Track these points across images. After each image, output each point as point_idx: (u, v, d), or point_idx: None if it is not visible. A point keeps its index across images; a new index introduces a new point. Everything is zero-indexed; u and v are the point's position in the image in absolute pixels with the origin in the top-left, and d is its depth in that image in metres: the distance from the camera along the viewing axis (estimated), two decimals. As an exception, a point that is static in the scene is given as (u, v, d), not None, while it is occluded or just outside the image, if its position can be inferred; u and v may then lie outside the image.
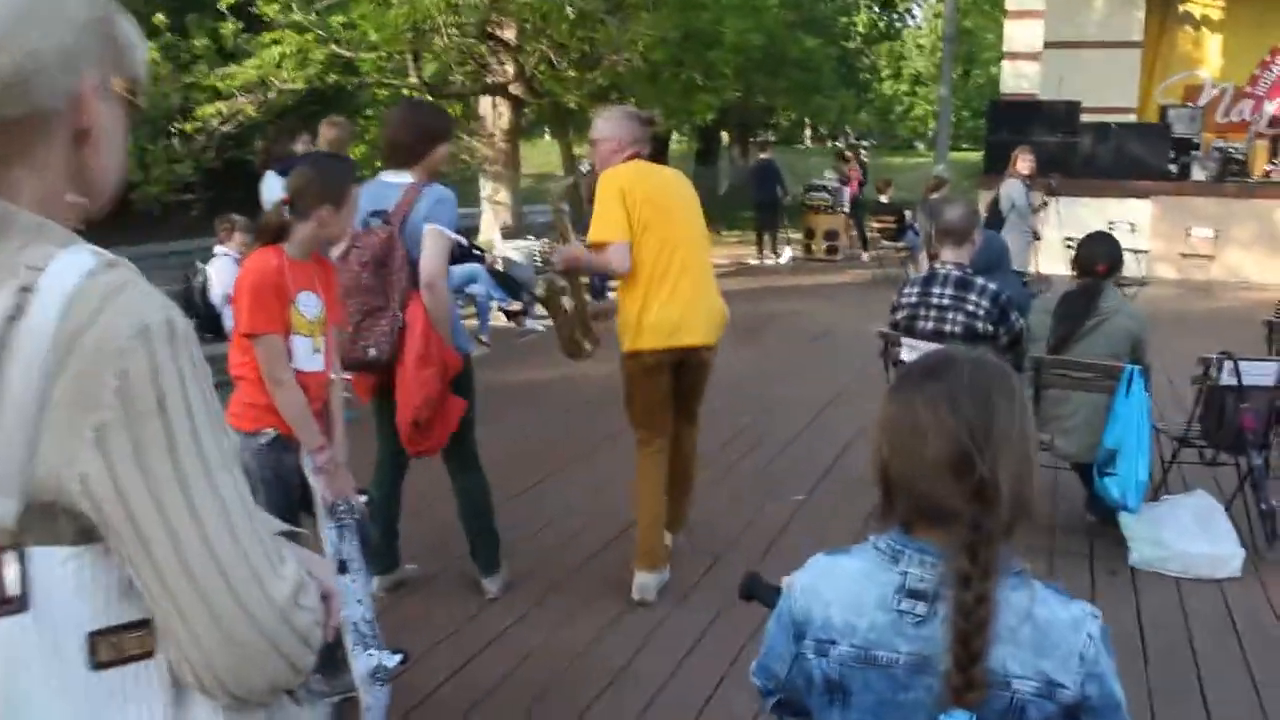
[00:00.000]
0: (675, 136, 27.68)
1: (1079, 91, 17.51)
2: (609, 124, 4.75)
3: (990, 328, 5.18)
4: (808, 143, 46.31)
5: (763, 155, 16.61)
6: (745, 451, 6.85)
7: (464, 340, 4.57)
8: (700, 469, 5.37)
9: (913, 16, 42.12)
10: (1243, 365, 4.95)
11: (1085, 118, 17.07)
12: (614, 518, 5.54)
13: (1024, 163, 10.84)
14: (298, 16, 16.33)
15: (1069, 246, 11.68)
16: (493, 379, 8.78)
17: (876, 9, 38.70)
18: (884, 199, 14.38)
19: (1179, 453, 5.29)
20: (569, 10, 15.34)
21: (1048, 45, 18.93)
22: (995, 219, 10.73)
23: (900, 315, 5.41)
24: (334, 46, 16.40)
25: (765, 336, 10.73)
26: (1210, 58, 20.95)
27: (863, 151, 25.10)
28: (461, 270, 10.38)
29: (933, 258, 12.77)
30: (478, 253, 11.09)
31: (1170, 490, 5.21)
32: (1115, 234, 13.67)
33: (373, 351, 4.20)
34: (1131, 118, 18.90)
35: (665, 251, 4.59)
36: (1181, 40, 21.00)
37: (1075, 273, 5.25)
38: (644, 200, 4.54)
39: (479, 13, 15.19)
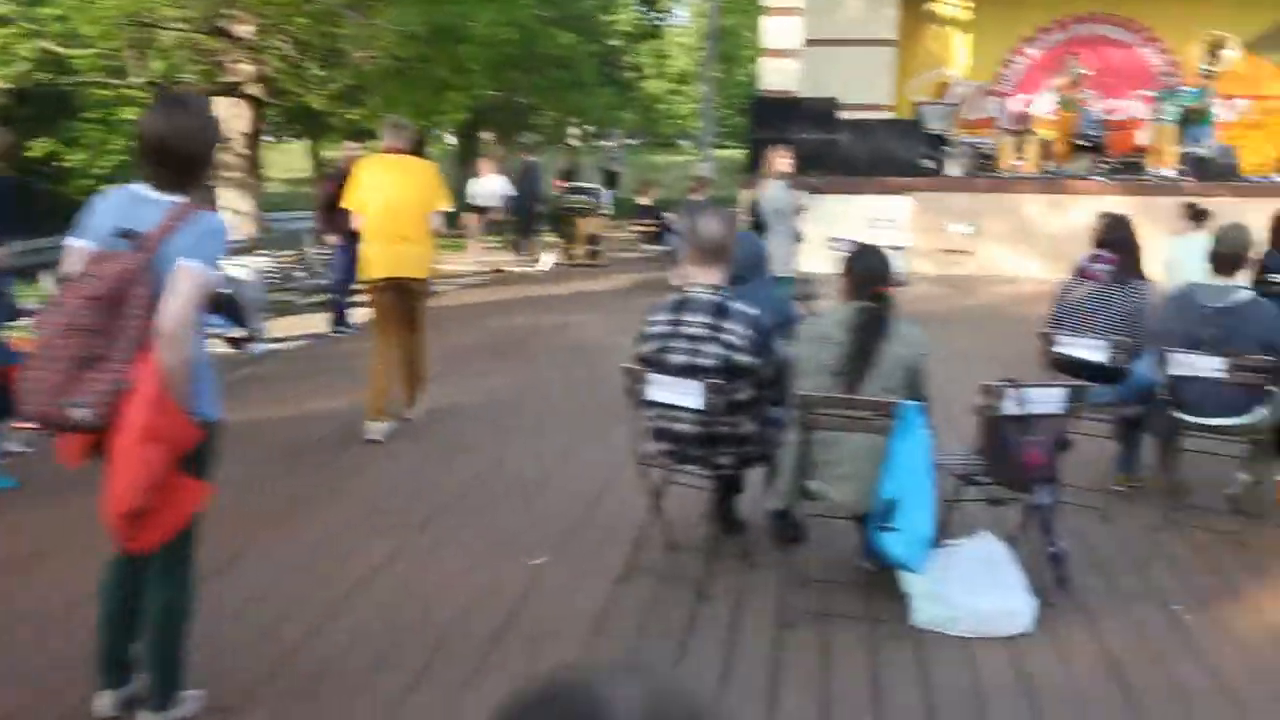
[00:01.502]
0: (439, 137, 26.49)
1: (837, 89, 17.32)
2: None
3: (752, 360, 4.46)
4: (574, 143, 45.72)
5: (526, 157, 15.71)
6: (484, 501, 5.96)
7: (208, 404, 3.48)
8: (430, 523, 5.56)
9: (674, 15, 42.01)
10: (1027, 393, 4.36)
11: (845, 115, 16.87)
12: (318, 601, 4.59)
13: (782, 161, 10.30)
14: (4, 8, 14.67)
15: (833, 248, 11.32)
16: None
17: (639, 7, 38.31)
18: (645, 201, 13.72)
19: (961, 490, 4.67)
20: (306, 4, 14.17)
21: (809, 43, 18.71)
22: (757, 222, 10.18)
23: (648, 348, 4.63)
24: (42, 42, 14.78)
25: (518, 355, 9.87)
26: (958, 56, 21.30)
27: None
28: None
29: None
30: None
31: (953, 534, 4.58)
32: (879, 230, 13.65)
33: (81, 411, 3.15)
34: (889, 115, 18.90)
35: (381, 214, 6.90)
36: (932, 38, 21.26)
37: (847, 293, 4.56)
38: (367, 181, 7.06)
39: (205, 5, 13.83)
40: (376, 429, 6.97)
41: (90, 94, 16.99)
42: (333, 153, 20.59)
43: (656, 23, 40.69)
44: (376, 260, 6.98)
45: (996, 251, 15.37)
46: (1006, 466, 4.43)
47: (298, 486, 6.13)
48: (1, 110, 16.93)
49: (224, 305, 9.57)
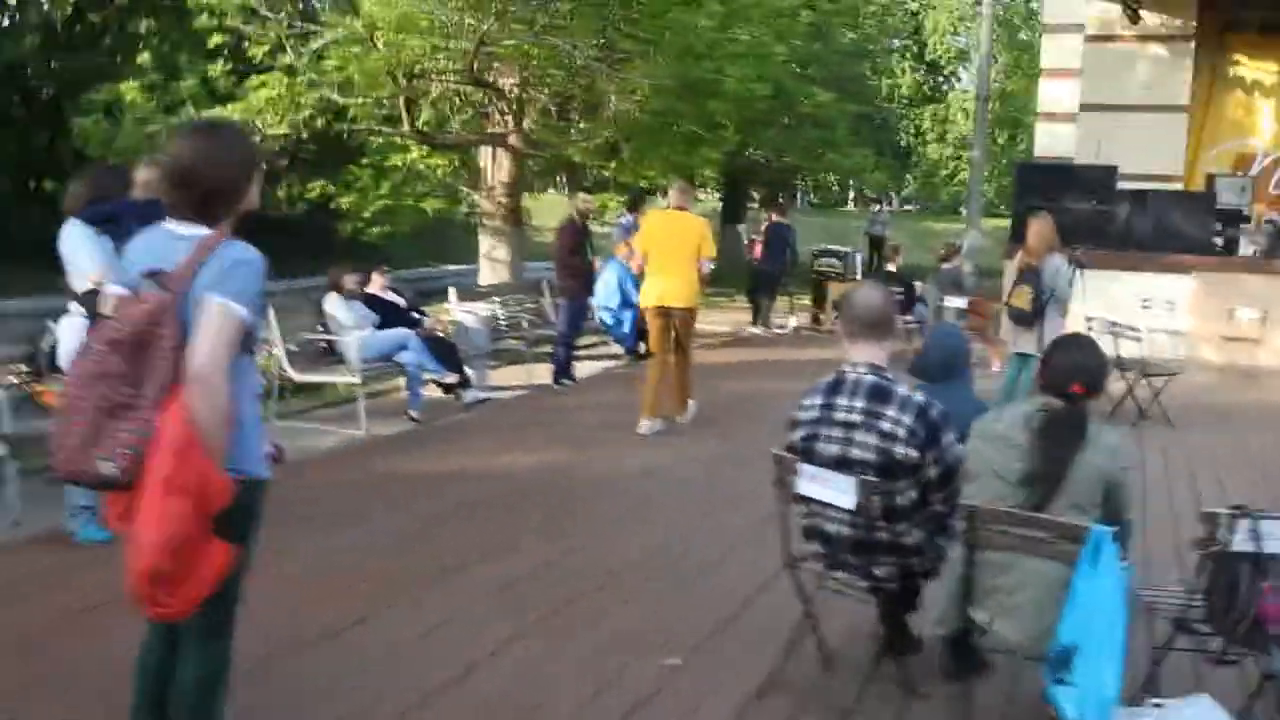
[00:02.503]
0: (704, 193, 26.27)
1: (1119, 156, 16.00)
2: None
3: (914, 454, 3.71)
4: (851, 205, 44.90)
5: (775, 218, 15.10)
6: (637, 583, 5.36)
7: (251, 460, 3.09)
8: (573, 604, 5.05)
9: (958, 79, 40.68)
10: (1265, 525, 3.42)
11: (1126, 185, 15.52)
12: (418, 685, 4.10)
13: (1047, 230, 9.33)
14: (289, 59, 15.25)
15: (1090, 328, 10.21)
16: (387, 466, 7.42)
17: (921, 71, 37.32)
18: (892, 268, 12.88)
19: (1174, 638, 3.73)
20: (564, 56, 14.10)
21: (1084, 107, 17.41)
22: (1037, 304, 9.15)
23: (798, 434, 3.95)
24: (325, 91, 15.29)
25: (732, 422, 9.23)
26: (1262, 125, 19.41)
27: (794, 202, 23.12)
28: (389, 336, 9.07)
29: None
30: (417, 315, 9.75)
31: (1162, 691, 3.65)
32: (1152, 311, 12.33)
33: (108, 465, 2.79)
34: (1177, 186, 17.35)
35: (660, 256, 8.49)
36: (1232, 106, 19.46)
37: (1041, 388, 3.75)
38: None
39: (465, 58, 13.97)
40: (646, 426, 8.50)
41: (366, 141, 17.52)
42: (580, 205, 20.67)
43: (940, 88, 39.51)
44: (652, 291, 8.57)
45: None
46: (1235, 616, 3.49)
47: (451, 549, 5.71)
48: (286, 153, 17.71)
49: (442, 350, 9.41)
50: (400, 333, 9.09)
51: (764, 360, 12.71)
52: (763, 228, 15.83)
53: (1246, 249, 15.23)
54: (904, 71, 37.65)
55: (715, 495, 6.91)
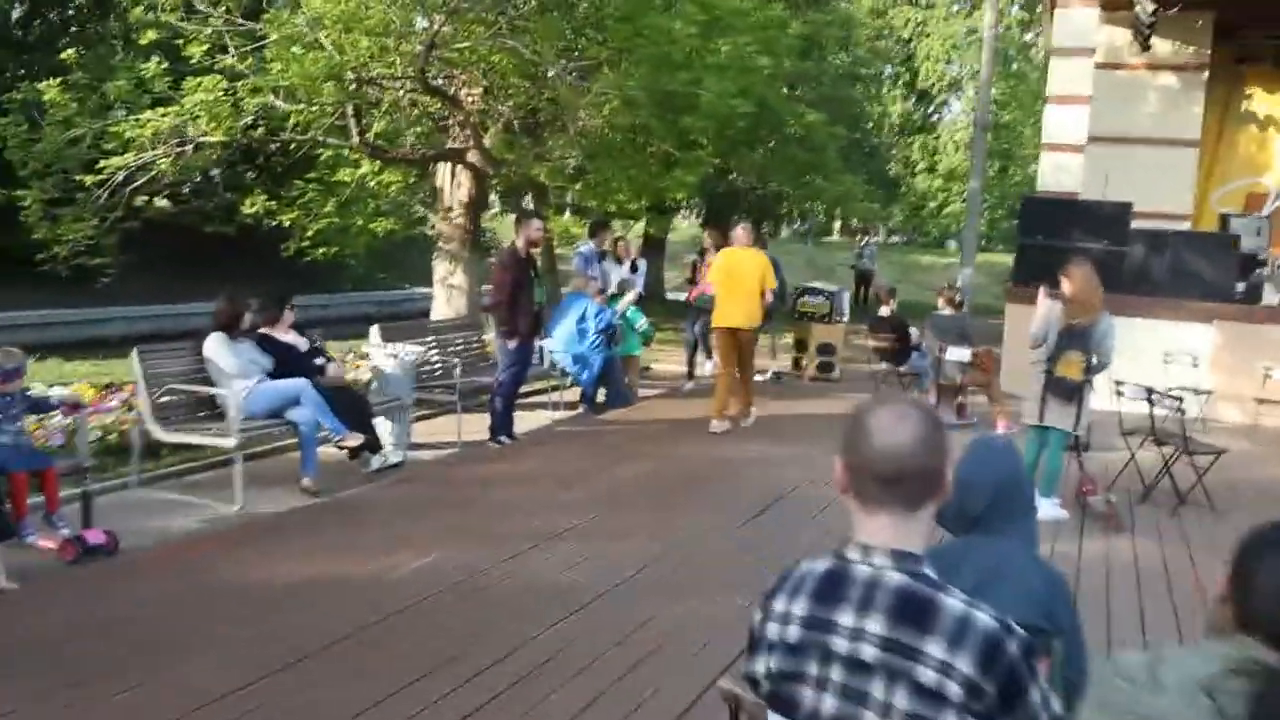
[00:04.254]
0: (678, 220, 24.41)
1: (1125, 192, 14.45)
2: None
3: (977, 724, 1.95)
4: (836, 236, 43.28)
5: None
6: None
7: None
8: None
9: (949, 109, 39.13)
10: None
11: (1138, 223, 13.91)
12: None
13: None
14: (231, 60, 13.50)
15: (1119, 393, 8.53)
16: (234, 572, 5.59)
17: (911, 100, 35.74)
18: (885, 311, 11.16)
19: None
20: (528, 65, 12.39)
21: (1092, 139, 15.80)
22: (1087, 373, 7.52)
23: (764, 665, 2.19)
24: (267, 96, 13.55)
25: (685, 502, 7.49)
26: (1276, 162, 17.89)
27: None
28: (279, 388, 7.30)
29: (940, 391, 9.43)
30: (321, 361, 7.97)
31: None
32: (1174, 366, 10.64)
33: None
34: (1185, 225, 15.76)
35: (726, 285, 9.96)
36: (1244, 142, 17.95)
37: (1244, 627, 1.93)
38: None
39: (416, 61, 12.24)
40: (717, 425, 9.81)
41: (315, 154, 15.78)
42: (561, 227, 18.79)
43: (930, 118, 37.96)
44: (722, 314, 10.01)
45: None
46: None
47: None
48: (226, 167, 15.94)
49: (346, 403, 7.66)
50: (293, 384, 7.30)
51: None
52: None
53: (1271, 297, 13.59)
54: (894, 100, 36.05)
55: (642, 605, 5.15)
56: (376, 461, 7.73)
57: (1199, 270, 13.17)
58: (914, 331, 11.02)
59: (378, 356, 8.76)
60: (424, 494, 7.31)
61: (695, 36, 11.70)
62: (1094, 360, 7.53)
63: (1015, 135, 32.15)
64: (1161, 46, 16.83)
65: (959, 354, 10.22)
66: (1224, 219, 16.01)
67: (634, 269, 12.76)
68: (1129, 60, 16.72)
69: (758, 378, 13.12)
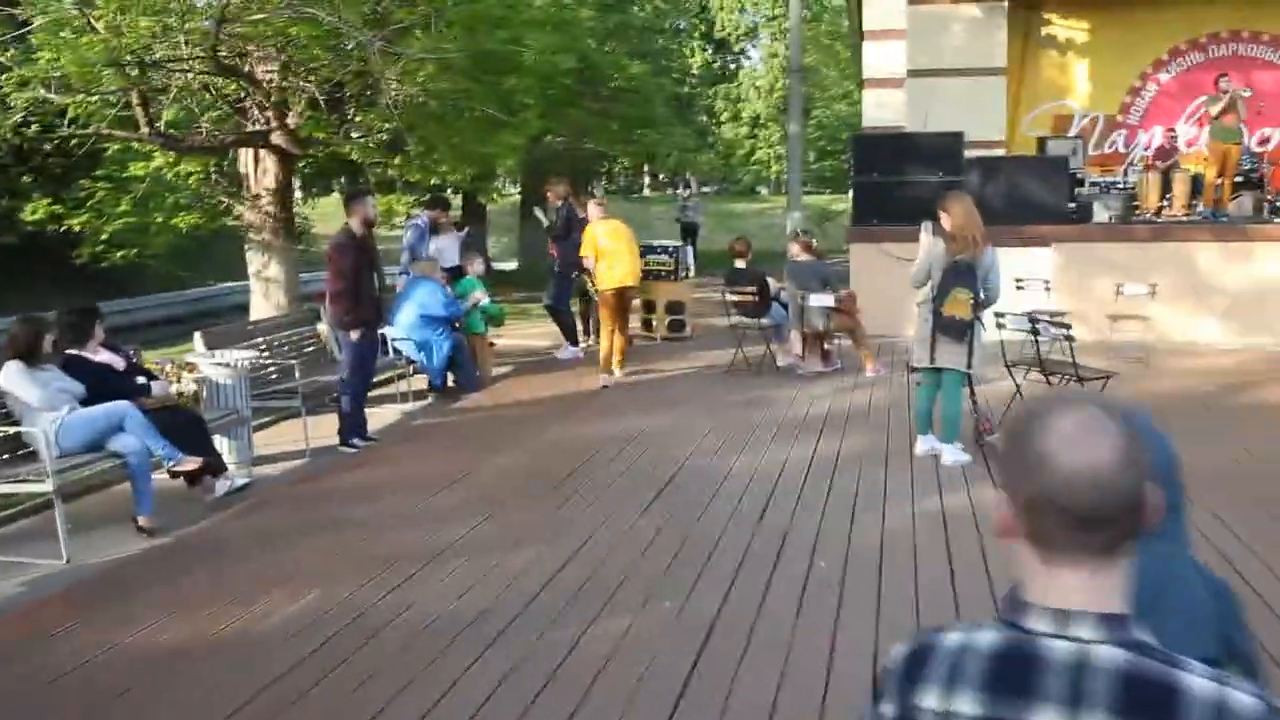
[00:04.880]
0: (494, 189, 23.39)
1: (942, 124, 14.34)
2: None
3: None
4: (646, 191, 42.87)
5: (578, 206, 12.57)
6: None
7: None
8: None
9: (748, 58, 39.04)
10: None
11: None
12: None
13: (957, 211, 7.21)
14: (-5, 56, 12.02)
15: (1000, 325, 8.19)
16: (76, 647, 4.60)
17: (709, 50, 35.44)
18: (740, 264, 10.63)
19: None
20: (329, 35, 11.32)
21: (911, 73, 15.64)
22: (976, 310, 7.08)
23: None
24: (43, 90, 12.10)
25: (571, 494, 6.78)
26: (1078, 85, 18.16)
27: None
28: (97, 415, 6.28)
29: (805, 339, 8.96)
30: (143, 380, 6.93)
31: None
32: (1027, 292, 10.45)
33: None
34: (999, 152, 15.80)
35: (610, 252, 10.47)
36: (1046, 66, 18.16)
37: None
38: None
39: (206, 39, 11.05)
40: (606, 378, 10.30)
41: (100, 149, 14.33)
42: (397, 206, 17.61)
43: (730, 66, 37.77)
44: (608, 276, 10.40)
45: (1169, 315, 12.05)
46: None
47: None
48: None
49: (179, 425, 6.67)
50: (113, 409, 6.26)
51: (593, 389, 10.27)
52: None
53: (1101, 214, 13.64)
54: (693, 51, 35.69)
55: (557, 635, 4.46)
56: (222, 486, 6.76)
57: (1034, 194, 13.10)
58: (772, 282, 10.51)
59: (205, 367, 7.73)
60: (282, 519, 6.38)
61: (507, -11, 10.88)
62: (981, 295, 7.14)
63: (819, 78, 32.22)
64: (963, -22, 16.85)
65: (822, 299, 9.77)
66: (1041, 142, 16.14)
67: (466, 244, 11.93)
68: (935, -7, 16.66)
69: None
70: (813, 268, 10.10)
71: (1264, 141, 16.60)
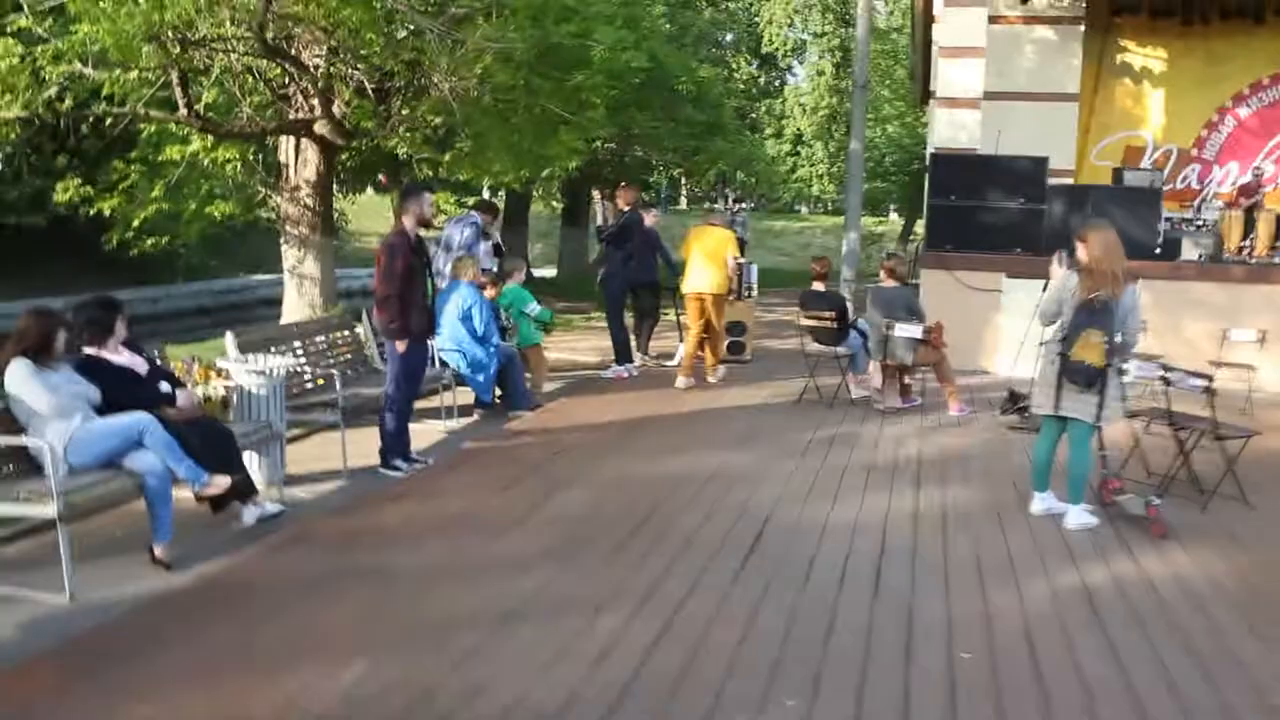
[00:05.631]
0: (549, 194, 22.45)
1: (1011, 149, 13.49)
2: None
3: None
4: (684, 204, 42.01)
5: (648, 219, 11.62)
6: None
7: None
8: None
9: (793, 74, 38.11)
10: None
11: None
12: None
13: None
14: (26, 21, 11.20)
15: (1123, 370, 7.26)
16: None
17: (755, 64, 34.55)
18: (819, 286, 9.71)
19: None
20: (383, 18, 10.47)
21: (988, 95, 14.72)
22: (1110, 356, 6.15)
23: None
24: (79, 64, 11.28)
25: (664, 549, 5.87)
26: (1151, 116, 17.26)
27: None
28: (114, 426, 5.42)
29: (887, 369, 8.05)
30: (167, 388, 6.03)
31: None
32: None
33: None
34: (1068, 181, 14.91)
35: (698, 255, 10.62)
36: (1119, 95, 17.27)
37: None
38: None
39: (253, 17, 10.20)
40: (683, 382, 10.53)
41: (136, 130, 13.49)
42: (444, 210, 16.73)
43: (774, 82, 36.88)
44: (686, 281, 10.69)
45: (1265, 362, 11.09)
46: None
47: None
48: (30, 150, 13.56)
49: (207, 440, 5.80)
50: (132, 420, 5.37)
51: (653, 416, 9.36)
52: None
53: (1190, 252, 12.69)
54: (739, 65, 34.82)
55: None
56: (251, 514, 5.88)
57: (1121, 227, 12.09)
58: (850, 306, 9.59)
59: (238, 374, 6.84)
60: (319, 563, 5.45)
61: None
62: (1118, 338, 6.22)
63: (870, 97, 31.26)
64: (1038, -1, 16.02)
65: (910, 330, 8.84)
66: (1116, 172, 15.18)
67: (498, 250, 11.03)
68: (1004, 13, 15.83)
69: (667, 363, 11.63)
70: (900, 294, 9.17)
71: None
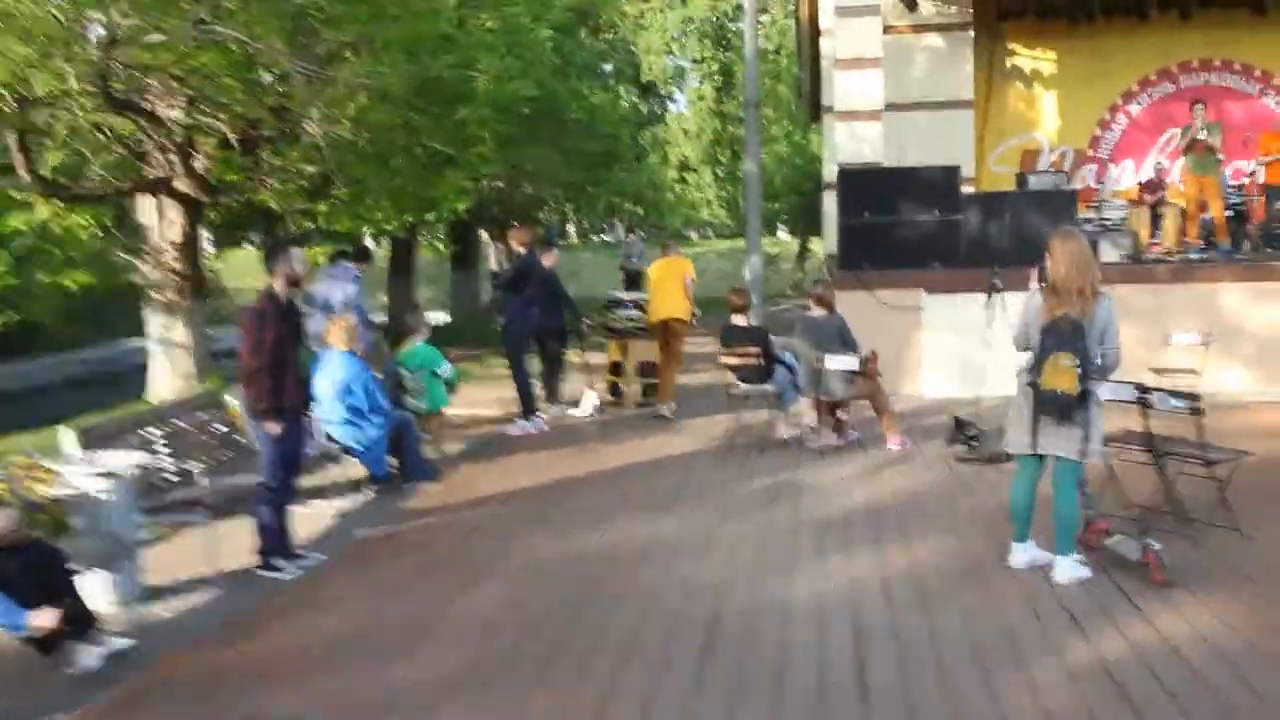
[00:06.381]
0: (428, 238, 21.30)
1: (910, 160, 12.90)
2: None
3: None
4: (574, 238, 41.13)
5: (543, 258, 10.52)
6: None
7: None
8: None
9: (673, 101, 37.56)
10: None
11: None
12: None
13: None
14: None
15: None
16: None
17: (635, 94, 33.84)
18: (739, 320, 8.81)
19: None
20: (243, 63, 9.37)
21: (889, 106, 14.07)
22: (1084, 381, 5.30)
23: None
24: (-101, 133, 9.98)
25: (603, 658, 4.88)
26: (1044, 118, 16.91)
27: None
28: None
29: (820, 405, 7.11)
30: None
31: None
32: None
33: None
34: (969, 188, 14.35)
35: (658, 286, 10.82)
36: (1012, 99, 16.91)
37: None
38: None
39: (94, 66, 9.03)
40: (666, 408, 10.44)
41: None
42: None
43: (656, 110, 36.25)
44: (652, 309, 10.88)
45: (1229, 369, 10.58)
46: None
47: None
48: None
49: (30, 569, 4.64)
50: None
51: (570, 479, 8.33)
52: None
53: (1110, 253, 12.12)
54: (623, 93, 34.13)
55: None
56: (89, 657, 4.71)
57: (1040, 232, 11.45)
58: (775, 340, 8.72)
59: (79, 478, 5.66)
60: (185, 714, 4.34)
61: (456, 5, 8.96)
62: (1096, 361, 5.41)
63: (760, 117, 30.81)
64: (925, 6, 15.56)
65: (845, 363, 7.98)
66: (1020, 177, 14.66)
67: (411, 306, 9.96)
68: (894, 23, 15.32)
69: (572, 412, 10.62)
70: (831, 324, 8.30)
71: (1237, 174, 15.28)
